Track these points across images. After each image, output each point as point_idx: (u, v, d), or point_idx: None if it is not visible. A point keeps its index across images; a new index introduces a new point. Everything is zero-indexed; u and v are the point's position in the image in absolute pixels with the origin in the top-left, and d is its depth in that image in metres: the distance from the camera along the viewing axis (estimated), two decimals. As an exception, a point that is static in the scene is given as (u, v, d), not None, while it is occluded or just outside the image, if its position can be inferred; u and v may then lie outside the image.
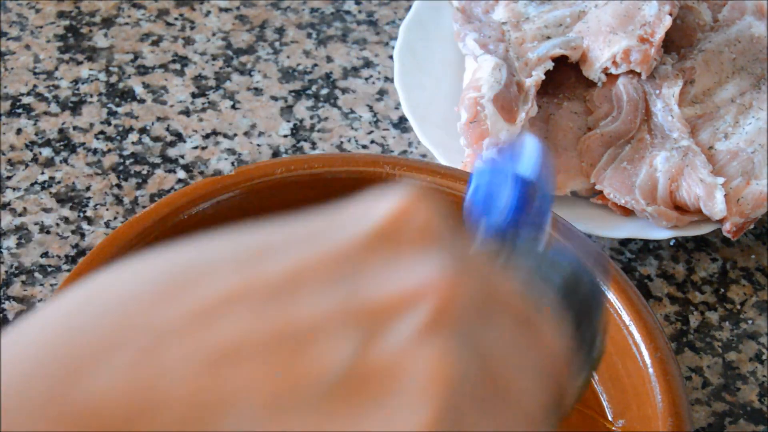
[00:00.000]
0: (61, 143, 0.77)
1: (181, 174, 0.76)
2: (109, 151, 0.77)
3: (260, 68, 0.83)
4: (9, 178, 0.75)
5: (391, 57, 0.84)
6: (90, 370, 0.28)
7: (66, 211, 0.74)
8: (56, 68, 0.82)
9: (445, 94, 0.79)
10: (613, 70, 0.75)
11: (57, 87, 0.81)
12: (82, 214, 0.74)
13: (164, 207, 0.61)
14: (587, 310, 0.34)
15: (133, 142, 0.78)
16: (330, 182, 0.64)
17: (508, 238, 0.36)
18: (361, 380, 0.28)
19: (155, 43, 0.84)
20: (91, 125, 0.79)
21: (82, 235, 0.72)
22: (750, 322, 0.71)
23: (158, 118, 0.79)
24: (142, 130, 0.78)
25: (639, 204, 0.71)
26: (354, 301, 0.29)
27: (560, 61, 0.75)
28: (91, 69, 0.82)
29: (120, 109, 0.80)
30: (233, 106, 0.80)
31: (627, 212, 0.72)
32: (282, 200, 0.64)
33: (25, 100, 0.79)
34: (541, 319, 0.32)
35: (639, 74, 0.75)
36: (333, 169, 0.64)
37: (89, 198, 0.74)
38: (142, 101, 0.80)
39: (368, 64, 0.84)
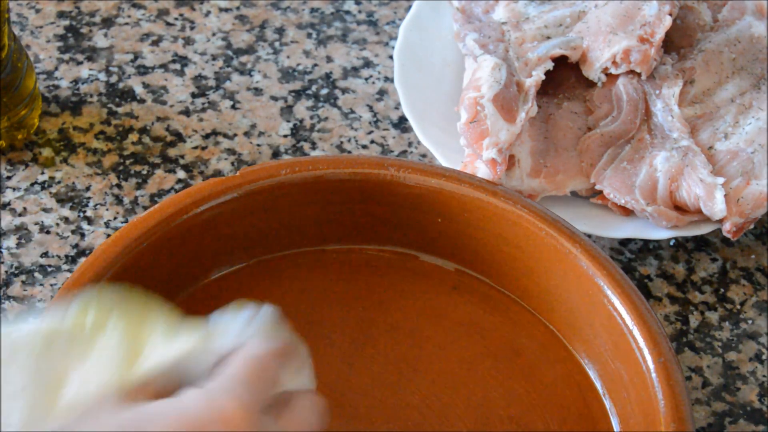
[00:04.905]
0: (61, 143, 0.77)
1: (181, 174, 0.76)
2: (109, 151, 0.77)
3: (260, 68, 0.83)
4: (9, 178, 0.75)
5: (391, 57, 0.84)
6: None
7: (66, 211, 0.74)
8: (56, 68, 0.82)
9: (445, 94, 0.79)
10: (613, 70, 0.75)
11: (57, 87, 0.80)
12: (82, 214, 0.74)
13: (169, 207, 0.61)
14: None
15: (133, 142, 0.78)
16: (334, 184, 0.64)
17: None
18: None
19: (155, 43, 0.84)
20: (91, 125, 0.79)
21: (82, 235, 0.72)
22: (750, 322, 0.71)
23: (158, 118, 0.79)
24: (142, 130, 0.78)
25: (639, 204, 0.71)
26: None
27: (560, 61, 0.75)
28: (91, 69, 0.82)
29: (120, 109, 0.80)
30: (233, 106, 0.80)
31: (627, 212, 0.72)
32: (286, 201, 0.64)
33: (25, 100, 0.79)
34: None
35: (639, 74, 0.75)
36: (338, 170, 0.64)
37: (89, 198, 0.74)
38: (142, 101, 0.80)
39: (368, 64, 0.84)
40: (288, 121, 0.80)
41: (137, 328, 0.46)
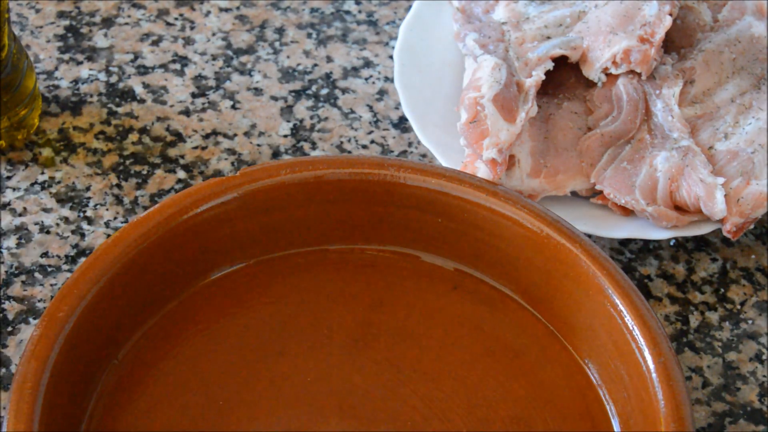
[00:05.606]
0: (61, 143, 0.77)
1: (181, 174, 0.76)
2: (109, 151, 0.77)
3: (260, 68, 0.83)
4: (9, 178, 0.75)
5: (391, 57, 0.84)
6: None
7: (66, 211, 0.74)
8: (56, 68, 0.82)
9: (445, 94, 0.79)
10: (613, 70, 0.75)
11: (57, 87, 0.81)
12: (82, 214, 0.74)
13: (168, 207, 0.61)
14: None
15: (133, 142, 0.78)
16: (334, 184, 0.64)
17: None
18: None
19: (155, 43, 0.84)
20: (91, 125, 0.79)
21: (82, 235, 0.72)
22: (750, 322, 0.71)
23: (158, 118, 0.79)
24: (142, 130, 0.78)
25: (639, 204, 0.71)
26: None
27: (560, 61, 0.75)
28: (91, 69, 0.82)
29: (120, 109, 0.80)
30: (233, 106, 0.80)
31: (627, 212, 0.72)
32: (286, 201, 0.64)
33: (25, 100, 0.79)
34: None
35: (639, 74, 0.75)
36: (338, 171, 0.64)
37: (89, 198, 0.74)
38: (142, 101, 0.80)
39: (368, 64, 0.84)
40: (288, 121, 0.80)
41: None
